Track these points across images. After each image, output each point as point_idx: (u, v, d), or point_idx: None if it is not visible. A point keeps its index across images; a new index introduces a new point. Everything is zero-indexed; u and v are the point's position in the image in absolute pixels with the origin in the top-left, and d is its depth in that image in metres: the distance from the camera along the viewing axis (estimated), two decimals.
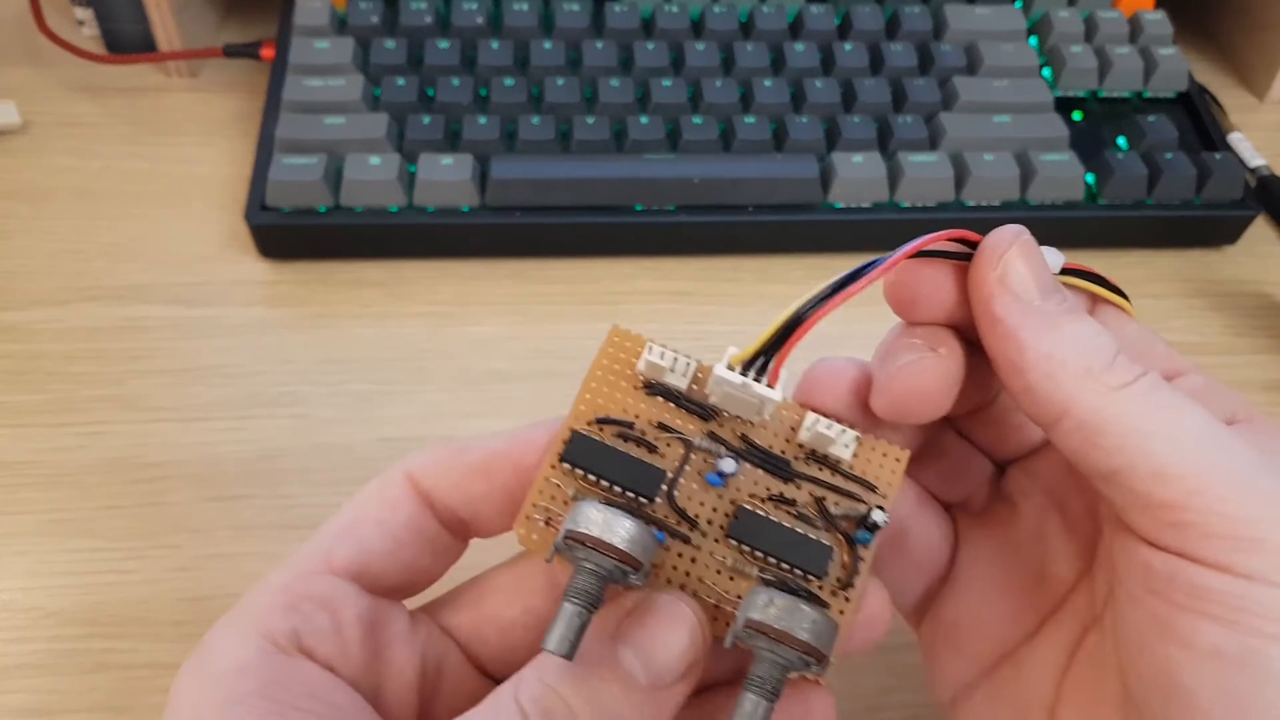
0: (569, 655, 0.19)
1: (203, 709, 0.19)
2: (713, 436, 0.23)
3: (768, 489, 0.22)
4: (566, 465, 0.22)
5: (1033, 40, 0.49)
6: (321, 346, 0.40)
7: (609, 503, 0.21)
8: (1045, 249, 0.22)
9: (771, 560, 0.22)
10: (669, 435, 0.23)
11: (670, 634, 0.20)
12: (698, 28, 0.48)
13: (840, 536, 0.22)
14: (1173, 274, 0.45)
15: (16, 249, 0.42)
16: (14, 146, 0.46)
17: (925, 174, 0.43)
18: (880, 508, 0.22)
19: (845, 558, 0.22)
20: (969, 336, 0.22)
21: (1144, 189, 0.44)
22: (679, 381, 0.23)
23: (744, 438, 0.23)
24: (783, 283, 0.43)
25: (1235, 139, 0.48)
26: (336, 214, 0.41)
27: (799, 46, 0.47)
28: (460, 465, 0.23)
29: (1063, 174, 0.43)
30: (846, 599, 0.22)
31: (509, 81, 0.44)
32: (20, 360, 0.39)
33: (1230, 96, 0.52)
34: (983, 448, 0.27)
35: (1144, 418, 0.19)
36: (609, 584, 0.19)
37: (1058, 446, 0.21)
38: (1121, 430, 0.19)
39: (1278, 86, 0.52)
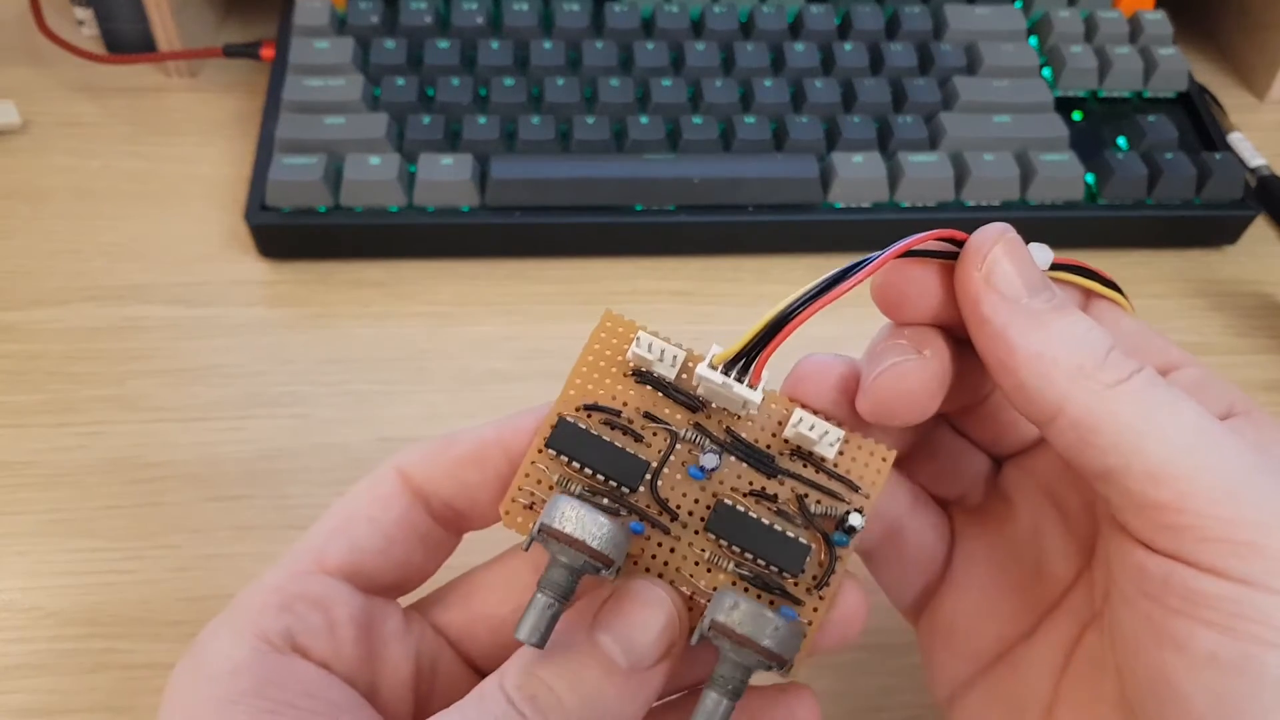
0: (540, 644, 0.19)
1: (198, 709, 0.19)
2: (699, 428, 0.23)
3: (750, 483, 0.22)
4: (552, 451, 0.22)
5: (1033, 40, 0.49)
6: (321, 346, 0.40)
7: (593, 490, 0.22)
8: (1033, 245, 0.22)
9: (748, 556, 0.22)
10: (655, 425, 0.23)
11: (647, 618, 0.21)
12: (698, 28, 0.48)
13: (819, 535, 0.22)
14: (1173, 274, 0.45)
15: (16, 249, 0.42)
16: (14, 146, 0.46)
17: (925, 174, 0.43)
18: (858, 511, 0.22)
19: (823, 556, 0.22)
20: (958, 335, 0.22)
21: (1144, 189, 0.44)
22: (667, 372, 0.23)
23: (729, 431, 0.23)
24: (783, 283, 0.43)
25: (1235, 139, 0.48)
26: (336, 214, 0.41)
27: (799, 46, 0.47)
28: (450, 457, 0.23)
29: (1063, 174, 0.43)
30: (821, 597, 0.22)
31: (509, 81, 0.44)
32: (20, 360, 0.39)
33: (1230, 96, 0.52)
34: (979, 443, 0.26)
35: (1139, 416, 0.19)
36: (581, 576, 0.20)
37: (1053, 445, 0.20)
38: (1116, 429, 0.19)
39: (1278, 86, 0.52)
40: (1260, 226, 0.46)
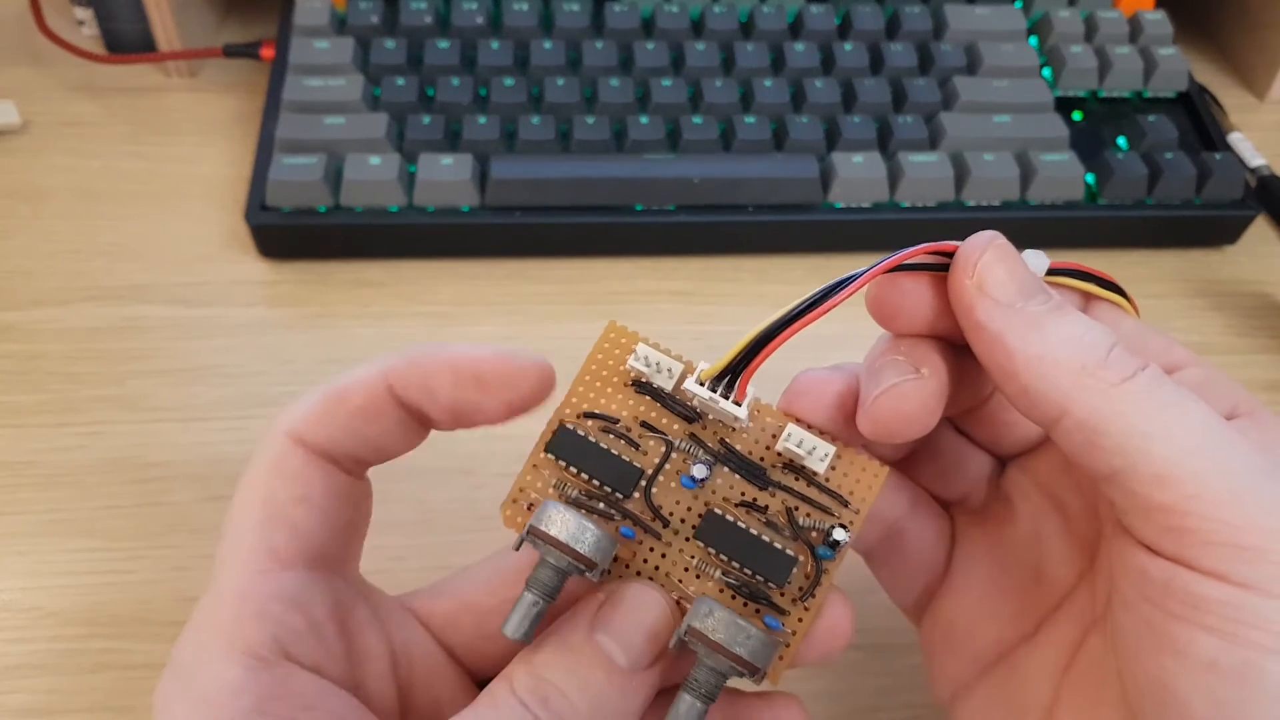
0: (525, 639, 0.20)
1: None
2: (694, 439, 0.23)
3: (742, 494, 0.23)
4: (551, 456, 0.23)
5: (1033, 40, 0.49)
6: (321, 346, 0.40)
7: (589, 495, 0.23)
8: (1028, 252, 0.22)
9: (735, 564, 0.22)
10: (652, 434, 0.23)
11: (642, 619, 0.21)
12: (698, 28, 0.48)
13: (807, 548, 0.22)
14: (1173, 274, 0.45)
15: (16, 249, 0.42)
16: (14, 146, 0.46)
17: (925, 174, 0.43)
18: (844, 526, 0.22)
19: (810, 569, 0.22)
20: (955, 343, 0.22)
21: (1144, 189, 0.44)
22: (665, 383, 0.23)
23: (724, 442, 0.23)
24: (783, 283, 0.43)
25: (1235, 139, 0.48)
26: (336, 214, 0.41)
27: (799, 46, 0.47)
28: (346, 413, 0.22)
29: (1063, 174, 0.43)
30: (806, 609, 0.22)
31: (509, 81, 0.44)
32: (20, 360, 0.39)
33: (1230, 96, 0.52)
34: (981, 444, 0.26)
35: (1145, 416, 0.19)
36: (567, 577, 0.21)
37: (1059, 446, 0.20)
38: (1122, 429, 0.19)
39: (1278, 86, 0.52)
40: (1260, 226, 0.46)
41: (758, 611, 0.22)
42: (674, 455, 0.23)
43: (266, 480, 0.21)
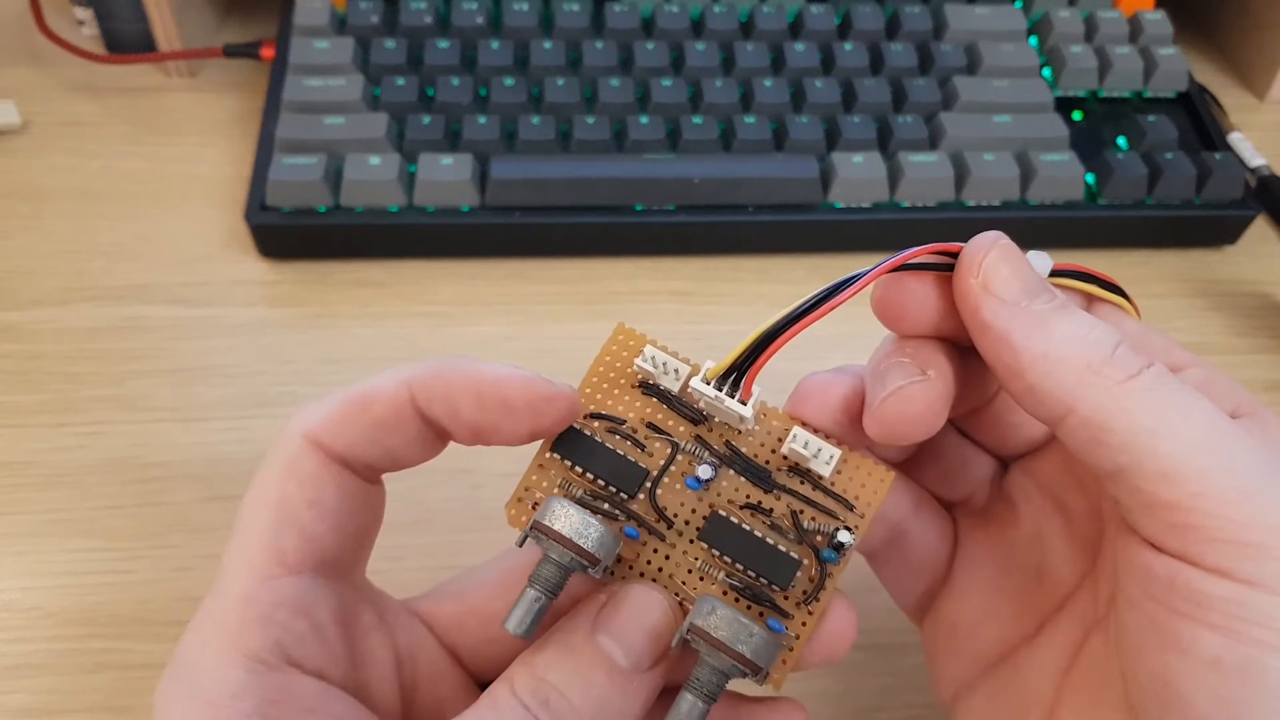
0: (526, 635, 0.20)
1: None
2: (700, 440, 0.23)
3: (747, 496, 0.23)
4: (557, 456, 0.23)
5: (1033, 40, 0.49)
6: (321, 346, 0.40)
7: (594, 495, 0.23)
8: (1032, 253, 0.22)
9: (738, 567, 0.22)
10: (658, 436, 0.23)
11: (644, 620, 0.21)
12: (698, 28, 0.48)
13: (811, 551, 0.22)
14: (1173, 274, 0.45)
15: (16, 249, 0.42)
16: (14, 146, 0.46)
17: (925, 174, 0.43)
18: (849, 529, 0.22)
19: (814, 572, 0.22)
20: (960, 344, 0.22)
21: (1144, 189, 0.44)
22: (671, 385, 0.23)
23: (729, 444, 0.23)
24: (783, 283, 0.43)
25: (1235, 139, 0.48)
26: (336, 214, 0.41)
27: (799, 46, 0.47)
28: (368, 422, 0.21)
29: (1063, 174, 0.43)
30: (810, 612, 0.22)
31: (509, 81, 0.44)
32: (20, 360, 0.39)
33: (1230, 96, 0.52)
34: (984, 445, 0.26)
35: (1150, 414, 0.19)
36: (570, 574, 0.21)
37: (1065, 444, 0.20)
38: (1128, 427, 0.19)
39: (1278, 86, 0.52)
40: (1260, 226, 0.46)
41: (761, 614, 0.22)
42: (679, 457, 0.23)
43: (280, 482, 0.21)
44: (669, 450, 0.23)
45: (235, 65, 0.49)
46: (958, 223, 0.43)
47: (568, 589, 0.21)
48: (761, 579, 0.22)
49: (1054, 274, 0.23)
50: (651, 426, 0.23)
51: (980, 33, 0.48)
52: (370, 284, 0.42)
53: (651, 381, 0.23)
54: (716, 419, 0.23)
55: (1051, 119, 0.45)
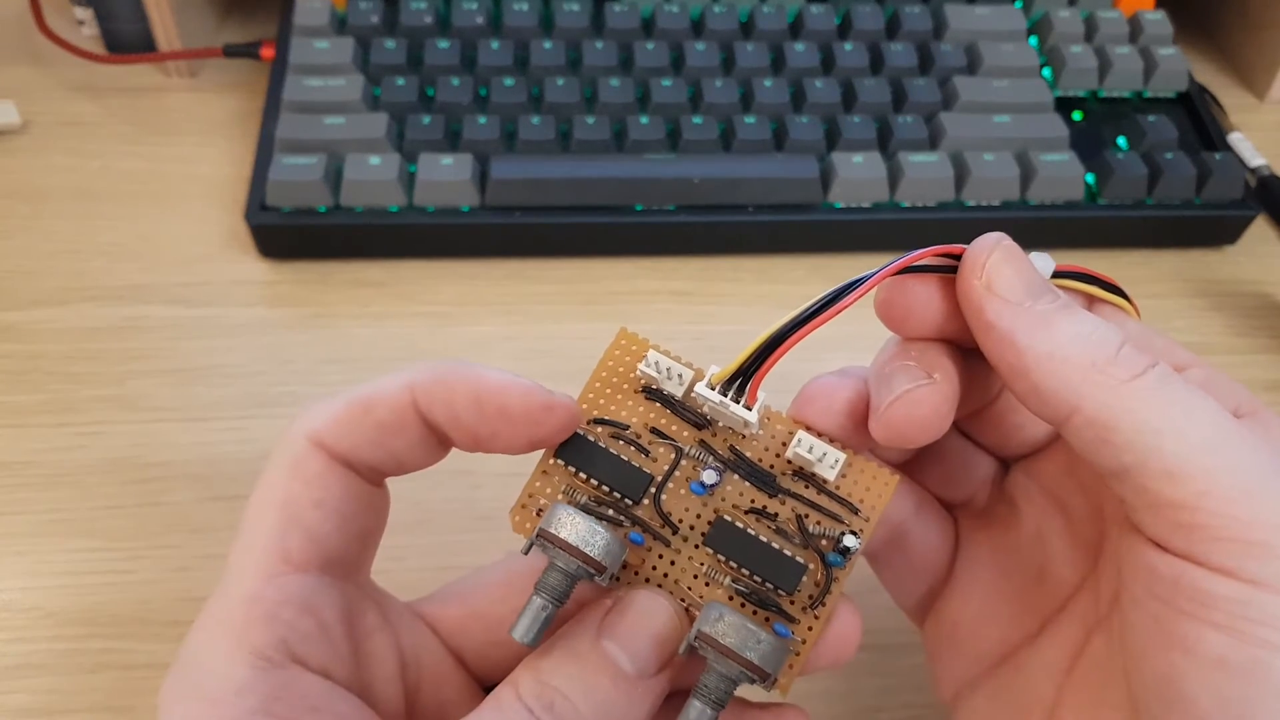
0: (533, 644, 0.20)
1: None
2: (704, 445, 0.23)
3: (752, 501, 0.23)
4: (561, 462, 0.23)
5: (1033, 40, 0.49)
6: (321, 346, 0.40)
7: (598, 501, 0.22)
8: (1034, 254, 0.22)
9: (744, 571, 0.22)
10: (662, 441, 0.23)
11: (650, 626, 0.21)
12: (698, 28, 0.48)
13: (817, 555, 0.22)
14: (1173, 274, 0.45)
15: (16, 249, 0.42)
16: (14, 146, 0.46)
17: (925, 174, 0.43)
18: (854, 533, 0.22)
19: (820, 576, 0.22)
20: (964, 346, 0.22)
21: (1144, 189, 0.44)
22: (675, 390, 0.23)
23: (734, 449, 0.23)
24: (783, 283, 0.43)
25: (1235, 139, 0.48)
26: (336, 214, 0.41)
27: (799, 46, 0.47)
28: (371, 424, 0.21)
29: (1063, 174, 0.43)
30: (816, 617, 0.22)
31: (509, 81, 0.44)
32: (20, 360, 0.39)
33: (1230, 96, 0.52)
34: (985, 446, 0.27)
35: (1155, 412, 0.19)
36: (576, 581, 0.21)
37: (1070, 444, 0.20)
38: (1133, 426, 0.19)
39: (1278, 86, 0.52)
40: (1260, 226, 0.46)
41: (767, 619, 0.22)
42: (684, 462, 0.23)
43: (285, 482, 0.21)
44: (673, 455, 0.23)
45: (235, 65, 0.49)
46: (958, 223, 0.43)
47: (573, 594, 0.21)
48: (767, 584, 0.22)
49: (1056, 275, 0.23)
50: (655, 432, 0.23)
51: (980, 33, 0.48)
52: (370, 284, 0.42)
53: (655, 386, 0.23)
54: (720, 423, 0.23)
55: (1051, 119, 0.45)
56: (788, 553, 0.22)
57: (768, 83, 0.45)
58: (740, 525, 0.22)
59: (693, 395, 0.23)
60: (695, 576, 0.22)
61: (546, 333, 0.41)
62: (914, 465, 0.26)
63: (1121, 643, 0.21)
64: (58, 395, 0.38)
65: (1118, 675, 0.21)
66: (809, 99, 0.45)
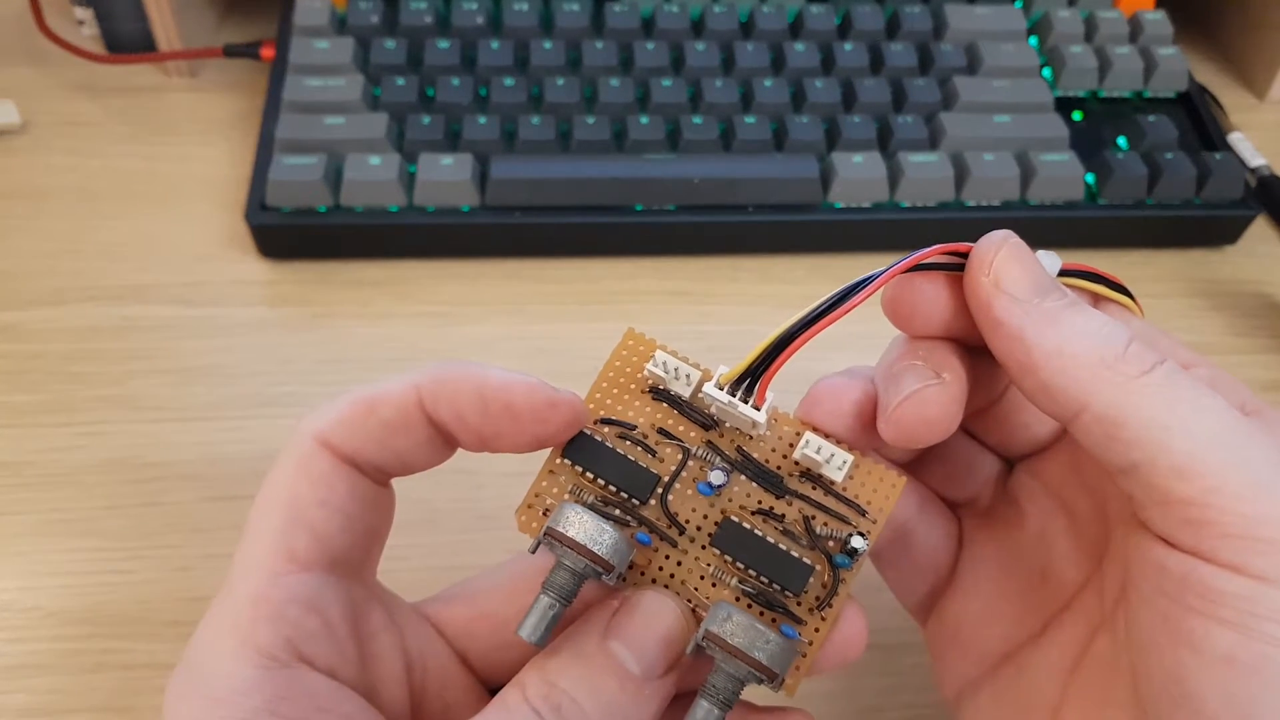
0: (540, 643, 0.20)
1: None
2: (711, 446, 0.23)
3: (759, 502, 0.23)
4: (568, 461, 0.22)
5: (1033, 40, 0.49)
6: (321, 346, 0.40)
7: (605, 501, 0.22)
8: (1041, 253, 0.22)
9: (751, 572, 0.22)
10: (669, 441, 0.23)
11: (657, 627, 0.21)
12: (698, 28, 0.48)
13: (824, 556, 0.22)
14: (1173, 274, 0.45)
15: (16, 249, 0.42)
16: (14, 146, 0.46)
17: (925, 174, 0.43)
18: (862, 535, 0.22)
19: (827, 577, 0.22)
20: (970, 344, 0.22)
21: (1144, 189, 0.44)
22: (682, 390, 0.23)
23: (741, 450, 0.23)
24: (783, 283, 0.43)
25: (1235, 139, 0.48)
26: (336, 214, 0.41)
27: (799, 46, 0.47)
28: (376, 424, 0.21)
29: (1063, 174, 0.43)
30: (823, 618, 0.22)
31: (509, 81, 0.44)
32: (20, 360, 0.39)
33: (1230, 96, 0.52)
34: (989, 445, 0.27)
35: (1164, 409, 0.19)
36: (584, 580, 0.21)
37: (1079, 441, 0.20)
38: (1142, 422, 0.19)
39: (1278, 86, 0.52)
40: (1260, 226, 0.47)
41: (774, 620, 0.22)
42: (691, 462, 0.23)
43: (291, 482, 0.21)
44: (680, 456, 0.23)
45: (235, 65, 0.49)
46: (958, 223, 0.43)
47: (580, 594, 0.21)
48: (774, 585, 0.22)
49: (1061, 274, 0.23)
50: (662, 432, 0.23)
51: (980, 33, 0.48)
52: (370, 284, 0.42)
53: (662, 387, 0.23)
54: (728, 424, 0.23)
55: (1051, 119, 0.45)
56: (795, 554, 0.22)
57: (768, 83, 0.45)
58: (747, 526, 0.22)
59: (700, 395, 0.23)
60: (702, 577, 0.22)
61: (546, 333, 0.41)
62: (918, 464, 0.26)
63: (1128, 640, 0.21)
64: (58, 395, 0.38)
65: (1122, 674, 0.21)
66: (809, 99, 0.45)
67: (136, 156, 0.46)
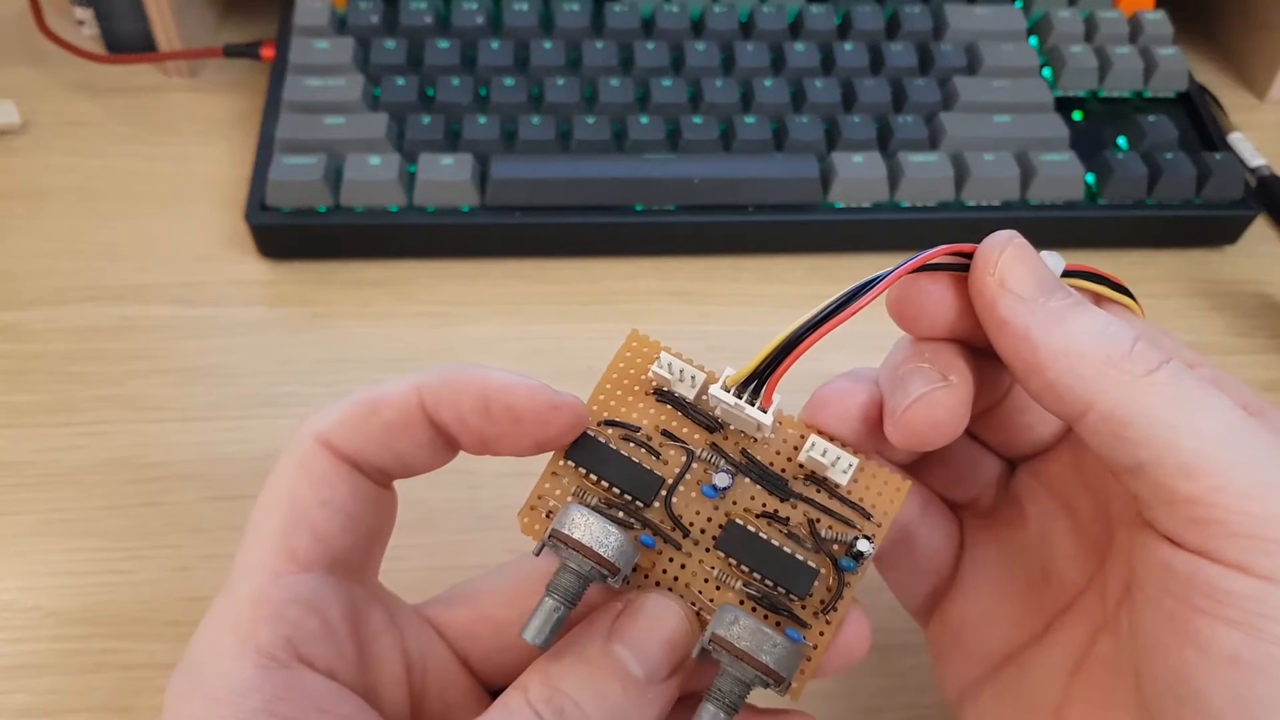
0: (544, 645, 0.20)
1: None
2: (715, 448, 0.23)
3: (764, 505, 0.23)
4: (572, 463, 0.22)
5: (1033, 40, 0.49)
6: (321, 346, 0.40)
7: (609, 503, 0.22)
8: (1045, 253, 0.22)
9: (756, 575, 0.22)
10: (673, 443, 0.23)
11: (660, 630, 0.21)
12: (698, 28, 0.48)
13: (828, 560, 0.22)
14: (1173, 274, 0.45)
15: (16, 249, 0.42)
16: (14, 146, 0.46)
17: (925, 174, 0.43)
18: (867, 538, 0.22)
19: (831, 581, 0.22)
20: (975, 345, 0.22)
21: (1144, 189, 0.44)
22: (687, 392, 0.23)
23: (745, 452, 0.23)
24: (783, 283, 0.43)
25: (1235, 139, 0.48)
26: (336, 214, 0.41)
27: (799, 46, 0.47)
28: (377, 425, 0.21)
29: (1063, 174, 0.43)
30: (827, 621, 0.22)
31: (509, 81, 0.44)
32: (20, 360, 0.39)
33: (1230, 96, 0.52)
34: (991, 446, 0.26)
35: (1170, 408, 0.19)
36: (589, 583, 0.20)
37: (1084, 440, 0.20)
38: (1148, 421, 0.19)
39: (1278, 86, 0.52)
40: (1260, 226, 0.46)
41: (778, 624, 0.22)
42: (695, 465, 0.23)
43: (292, 482, 0.21)
44: (684, 458, 0.23)
45: (235, 65, 0.49)
46: (958, 223, 0.43)
47: (585, 596, 0.21)
48: (779, 588, 0.22)
49: (1063, 274, 0.23)
50: (666, 434, 0.23)
51: (980, 33, 0.48)
52: (370, 284, 0.42)
53: (666, 388, 0.23)
54: (732, 426, 0.23)
55: (1051, 119, 0.45)
56: (799, 557, 0.22)
57: (768, 83, 0.45)
58: (752, 529, 0.22)
59: (704, 397, 0.23)
60: (706, 580, 0.22)
61: (547, 333, 0.41)
62: (920, 465, 0.26)
63: (1133, 640, 0.21)
64: (58, 395, 0.38)
65: (1125, 675, 0.21)
66: (809, 99, 0.45)
67: (136, 156, 0.46)
